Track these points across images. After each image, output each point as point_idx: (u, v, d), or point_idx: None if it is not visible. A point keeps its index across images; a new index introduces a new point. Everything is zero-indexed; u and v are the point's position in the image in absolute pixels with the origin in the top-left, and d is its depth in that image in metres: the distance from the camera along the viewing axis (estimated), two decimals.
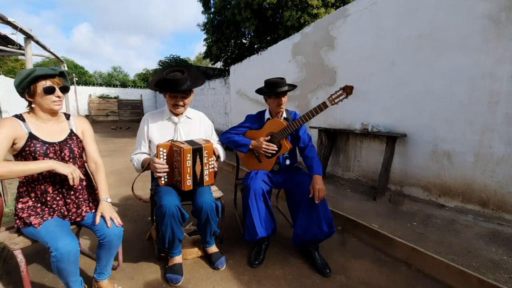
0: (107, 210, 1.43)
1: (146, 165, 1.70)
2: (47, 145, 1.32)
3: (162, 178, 1.66)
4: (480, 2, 2.32)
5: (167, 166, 1.62)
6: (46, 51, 5.96)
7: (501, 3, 2.21)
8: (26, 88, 1.27)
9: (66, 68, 7.73)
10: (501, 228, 2.19)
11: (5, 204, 2.61)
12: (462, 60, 2.46)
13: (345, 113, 3.73)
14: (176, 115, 1.86)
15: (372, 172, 3.36)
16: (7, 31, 4.69)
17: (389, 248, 1.99)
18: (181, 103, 1.76)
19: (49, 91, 1.29)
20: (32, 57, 5.04)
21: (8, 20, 3.94)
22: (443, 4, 2.56)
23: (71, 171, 1.27)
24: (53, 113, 1.38)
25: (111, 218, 1.41)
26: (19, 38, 4.83)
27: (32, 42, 4.82)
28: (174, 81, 1.65)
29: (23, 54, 5.14)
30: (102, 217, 1.40)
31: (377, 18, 3.17)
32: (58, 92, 1.33)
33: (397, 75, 3.00)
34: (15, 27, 4.16)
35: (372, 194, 3.07)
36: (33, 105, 1.31)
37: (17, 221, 1.33)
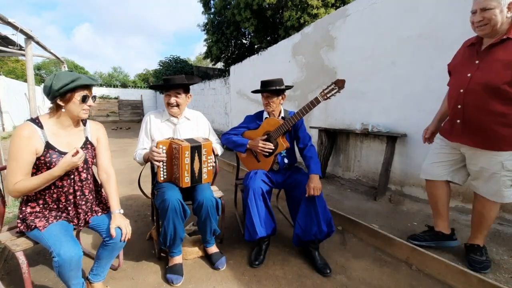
0: (123, 223, 1.39)
1: (148, 157, 1.73)
2: (63, 155, 1.29)
3: (161, 174, 1.69)
4: None
5: (164, 155, 1.65)
6: (47, 51, 5.98)
7: None
8: (65, 93, 1.25)
9: (66, 69, 7.74)
10: (501, 228, 2.19)
11: (6, 205, 2.62)
12: None
13: (345, 113, 3.73)
14: (174, 116, 1.90)
15: (373, 172, 3.36)
16: (7, 31, 4.71)
17: (390, 248, 1.99)
18: (174, 102, 1.81)
19: (85, 100, 1.31)
20: (33, 57, 5.06)
21: (9, 20, 3.96)
22: (443, 4, 2.56)
23: (78, 161, 1.27)
24: (78, 120, 1.39)
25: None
26: (19, 39, 4.86)
27: (32, 42, 4.83)
28: (167, 79, 1.77)
29: (23, 55, 5.16)
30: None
31: (377, 18, 3.17)
32: (90, 101, 1.34)
33: (397, 75, 3.00)
34: (15, 27, 4.18)
35: (372, 194, 3.07)
36: (63, 110, 1.29)
37: (19, 224, 1.32)
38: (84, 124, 1.46)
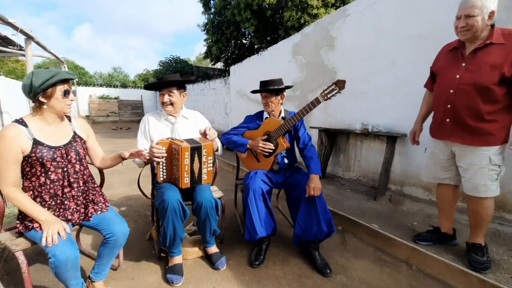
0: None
1: (147, 158, 1.71)
2: (53, 149, 1.32)
3: (161, 175, 1.68)
4: None
5: (164, 150, 1.61)
6: (47, 51, 5.98)
7: (502, 2, 2.20)
8: (45, 89, 1.26)
9: (66, 69, 7.74)
10: (501, 228, 2.18)
11: (6, 205, 2.61)
12: None
13: (345, 113, 3.73)
14: (169, 114, 1.90)
15: (373, 172, 3.36)
16: (7, 32, 4.70)
17: (390, 248, 1.99)
18: (167, 100, 1.83)
19: (67, 94, 1.33)
20: (33, 57, 5.05)
21: (9, 21, 3.95)
22: (443, 4, 2.56)
23: (50, 233, 1.20)
24: (62, 116, 1.41)
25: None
26: (19, 39, 4.85)
27: (32, 43, 4.83)
28: (160, 78, 1.78)
29: (23, 55, 5.16)
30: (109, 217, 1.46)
31: (377, 18, 3.17)
32: (72, 96, 1.37)
33: (397, 75, 3.00)
34: (15, 28, 4.17)
35: (372, 194, 3.07)
36: (44, 107, 1.31)
37: (18, 225, 1.33)
38: (70, 120, 1.50)
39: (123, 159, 1.54)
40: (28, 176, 1.31)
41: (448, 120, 1.71)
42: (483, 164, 1.61)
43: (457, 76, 1.63)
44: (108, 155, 1.62)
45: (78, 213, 1.41)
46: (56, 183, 1.34)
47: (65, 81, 1.33)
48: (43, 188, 1.32)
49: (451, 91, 1.65)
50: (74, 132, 1.47)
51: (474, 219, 1.76)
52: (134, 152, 1.50)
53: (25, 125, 1.29)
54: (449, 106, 1.68)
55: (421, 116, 2.06)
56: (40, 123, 1.34)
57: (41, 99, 1.28)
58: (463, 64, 1.63)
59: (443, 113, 1.73)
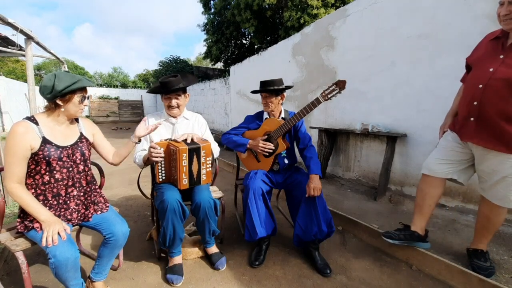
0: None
1: (147, 159, 1.71)
2: (60, 149, 1.35)
3: (160, 175, 1.68)
4: (480, 2, 2.32)
5: (162, 151, 1.60)
6: (47, 52, 5.97)
7: None
8: (67, 93, 1.30)
9: (66, 69, 7.74)
10: (501, 228, 2.18)
11: (6, 205, 2.62)
12: (462, 59, 2.44)
13: (345, 113, 3.73)
14: (174, 116, 1.90)
15: (373, 172, 3.36)
16: (7, 32, 4.70)
17: (390, 248, 1.99)
18: (175, 104, 1.83)
19: (83, 100, 1.39)
20: (33, 58, 5.05)
21: (9, 21, 3.94)
22: (443, 4, 2.56)
23: (50, 233, 1.20)
24: (73, 118, 1.46)
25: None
26: (19, 39, 4.84)
27: (32, 43, 4.82)
28: (165, 83, 1.76)
29: (23, 55, 5.15)
30: (107, 217, 1.47)
31: (377, 18, 3.17)
32: (86, 101, 1.42)
33: (397, 75, 3.00)
34: (15, 28, 4.16)
35: (372, 194, 3.07)
36: (62, 109, 1.34)
37: (18, 225, 1.33)
38: (77, 121, 1.53)
39: (138, 141, 1.61)
40: (32, 174, 1.32)
41: (472, 119, 1.50)
42: (508, 173, 1.45)
43: (491, 70, 1.42)
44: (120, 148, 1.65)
45: (77, 213, 1.41)
46: (60, 183, 1.35)
47: (84, 88, 1.37)
48: (46, 186, 1.33)
49: (480, 86, 1.45)
50: (81, 133, 1.49)
51: (483, 224, 1.66)
52: (148, 130, 1.56)
53: (36, 123, 1.31)
54: (475, 103, 1.47)
55: (453, 110, 1.81)
56: (50, 123, 1.36)
57: (59, 101, 1.32)
58: (501, 56, 1.42)
59: (467, 111, 1.52)
